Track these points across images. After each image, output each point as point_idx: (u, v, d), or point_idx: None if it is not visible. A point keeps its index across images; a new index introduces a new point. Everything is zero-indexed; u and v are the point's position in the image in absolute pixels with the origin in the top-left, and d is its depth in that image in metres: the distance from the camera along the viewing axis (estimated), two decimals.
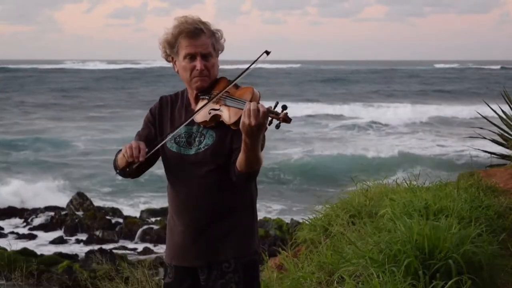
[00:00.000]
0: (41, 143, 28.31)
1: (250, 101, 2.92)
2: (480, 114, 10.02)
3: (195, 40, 3.11)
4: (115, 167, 3.17)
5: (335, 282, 4.60)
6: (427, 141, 29.76)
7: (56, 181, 20.39)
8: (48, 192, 18.81)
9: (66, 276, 10.98)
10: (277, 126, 2.79)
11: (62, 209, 16.57)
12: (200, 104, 3.12)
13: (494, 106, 9.93)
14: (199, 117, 3.09)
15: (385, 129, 34.13)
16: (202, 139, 3.12)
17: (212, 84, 3.14)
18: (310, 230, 6.30)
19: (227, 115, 2.99)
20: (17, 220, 16.06)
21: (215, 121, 3.06)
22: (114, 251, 12.81)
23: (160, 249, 13.34)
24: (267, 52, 3.03)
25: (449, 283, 3.99)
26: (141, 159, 2.97)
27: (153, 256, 12.44)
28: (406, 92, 58.90)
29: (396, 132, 33.08)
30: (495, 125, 9.93)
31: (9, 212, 16.54)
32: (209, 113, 3.05)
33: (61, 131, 32.43)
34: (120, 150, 3.14)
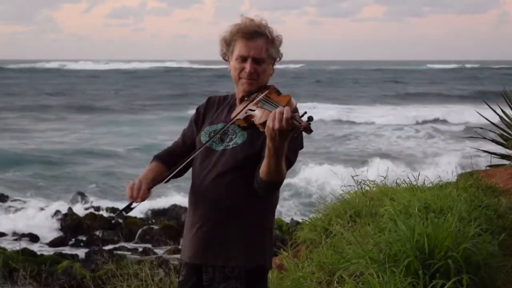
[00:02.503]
0: (39, 144, 28.32)
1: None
2: (480, 114, 10.02)
3: (250, 42, 3.09)
4: None
5: (335, 282, 4.60)
6: (426, 141, 29.76)
7: (54, 182, 20.41)
8: (46, 193, 18.82)
9: (66, 276, 10.97)
10: (297, 134, 2.78)
11: (62, 209, 16.56)
12: (242, 104, 3.15)
13: (494, 106, 9.95)
14: (235, 113, 3.11)
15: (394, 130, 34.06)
16: (234, 137, 3.12)
17: (259, 90, 3.13)
18: (310, 230, 6.30)
19: (258, 115, 2.99)
20: (17, 220, 16.03)
21: (247, 122, 3.07)
22: (114, 251, 12.81)
23: (160, 249, 13.34)
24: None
25: (449, 283, 4.00)
26: (139, 200, 3.02)
27: (153, 256, 12.43)
28: (406, 93, 58.90)
29: (399, 132, 33.04)
30: (495, 125, 9.95)
31: (9, 212, 16.53)
32: (245, 113, 3.06)
33: (59, 132, 32.44)
34: (155, 156, 3.29)
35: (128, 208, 3.06)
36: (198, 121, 3.28)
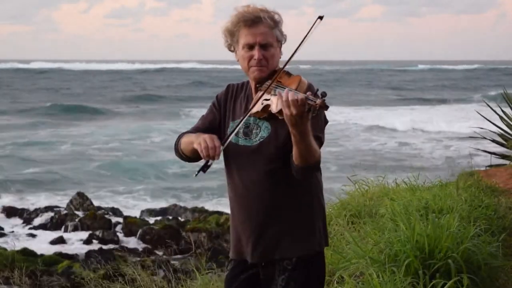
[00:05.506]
0: (36, 143, 28.33)
1: (296, 89, 2.87)
2: (480, 114, 10.03)
3: (254, 29, 3.04)
4: (179, 152, 3.16)
5: (335, 282, 4.60)
6: (426, 141, 29.76)
7: (53, 182, 20.43)
8: (46, 193, 18.84)
9: (66, 276, 10.97)
10: (314, 113, 2.73)
11: (62, 209, 16.57)
12: (256, 96, 3.09)
13: (494, 106, 9.96)
14: (251, 106, 3.06)
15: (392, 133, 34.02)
16: (258, 131, 3.08)
17: (270, 75, 3.07)
18: None
19: (274, 104, 2.93)
20: (17, 220, 16.04)
21: (267, 112, 3.01)
22: (114, 251, 12.80)
23: (160, 249, 13.33)
24: (321, 18, 2.96)
25: (449, 283, 4.00)
26: (216, 158, 2.95)
27: (153, 256, 12.43)
28: (402, 94, 58.93)
29: (398, 135, 33.02)
30: (495, 125, 9.95)
31: (9, 212, 16.54)
32: (262, 104, 3.01)
33: (57, 132, 32.45)
34: (183, 134, 3.16)
35: (206, 167, 2.99)
36: (219, 108, 3.22)
